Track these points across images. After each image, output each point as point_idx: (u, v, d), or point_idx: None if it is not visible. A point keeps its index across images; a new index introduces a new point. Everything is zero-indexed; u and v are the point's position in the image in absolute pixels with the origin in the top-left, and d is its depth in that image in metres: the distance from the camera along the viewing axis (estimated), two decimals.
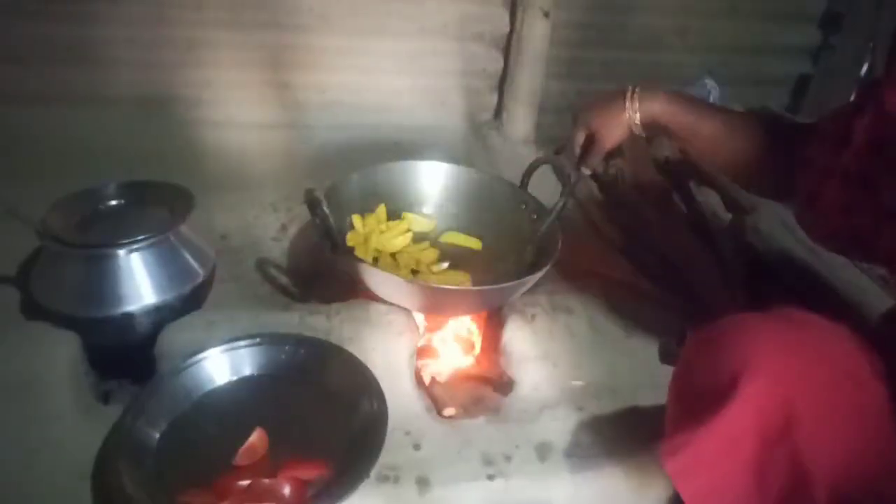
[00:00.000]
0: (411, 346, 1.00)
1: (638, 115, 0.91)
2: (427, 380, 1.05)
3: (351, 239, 1.13)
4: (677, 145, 0.92)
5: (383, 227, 1.19)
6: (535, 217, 1.15)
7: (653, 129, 0.93)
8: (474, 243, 1.23)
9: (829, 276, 1.14)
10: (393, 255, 1.16)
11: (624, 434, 0.93)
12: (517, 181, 1.21)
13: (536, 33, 1.62)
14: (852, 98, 1.63)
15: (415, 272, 1.14)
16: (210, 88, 1.57)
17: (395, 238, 1.18)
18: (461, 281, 1.13)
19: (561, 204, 1.10)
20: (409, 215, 1.24)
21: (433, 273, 1.15)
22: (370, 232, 1.16)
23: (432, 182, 1.27)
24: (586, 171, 1.02)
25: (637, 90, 0.92)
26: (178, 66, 1.53)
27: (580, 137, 1.00)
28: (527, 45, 1.64)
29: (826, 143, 0.75)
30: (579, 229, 1.41)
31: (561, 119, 1.82)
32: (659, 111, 0.90)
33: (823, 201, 0.74)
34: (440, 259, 1.18)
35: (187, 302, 1.02)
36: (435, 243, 1.22)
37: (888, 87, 0.67)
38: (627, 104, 0.91)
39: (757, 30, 1.85)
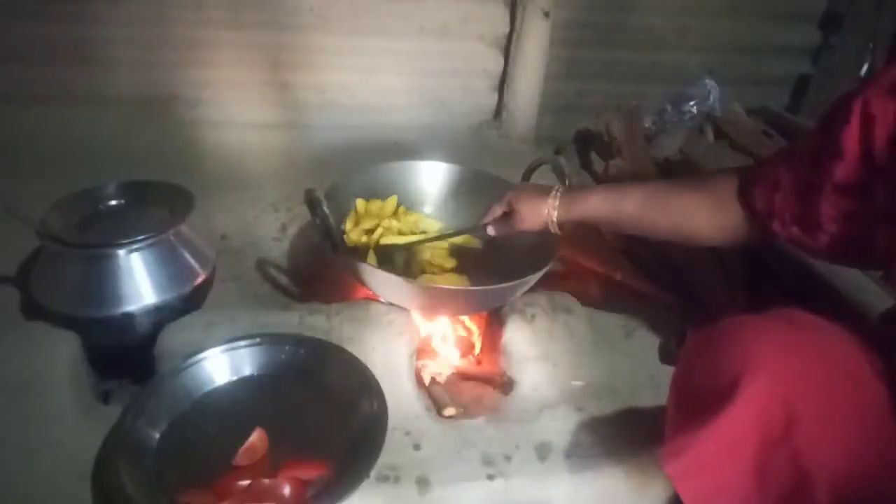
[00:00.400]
0: (411, 346, 1.00)
1: (556, 214, 0.96)
2: (427, 380, 1.05)
3: (349, 221, 1.14)
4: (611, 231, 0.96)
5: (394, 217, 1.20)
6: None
7: (571, 225, 0.99)
8: (474, 243, 1.23)
9: (829, 276, 1.14)
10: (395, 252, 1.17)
11: (624, 434, 0.93)
12: (517, 181, 1.21)
13: (536, 33, 1.62)
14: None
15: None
16: (210, 88, 1.57)
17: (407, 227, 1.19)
18: (459, 283, 1.13)
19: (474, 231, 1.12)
20: (418, 215, 1.24)
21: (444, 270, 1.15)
22: (381, 218, 1.17)
23: (432, 182, 1.27)
24: (490, 232, 1.07)
25: (560, 192, 0.97)
26: (178, 66, 1.54)
27: (499, 209, 1.05)
28: (527, 45, 1.64)
29: (801, 162, 0.75)
30: (579, 229, 1.40)
31: (561, 119, 1.82)
32: (576, 213, 0.95)
33: (814, 217, 0.73)
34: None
35: (187, 302, 1.02)
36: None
37: (871, 89, 0.67)
38: (549, 201, 0.97)
39: (757, 30, 1.85)
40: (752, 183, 0.80)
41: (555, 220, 0.97)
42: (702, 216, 0.85)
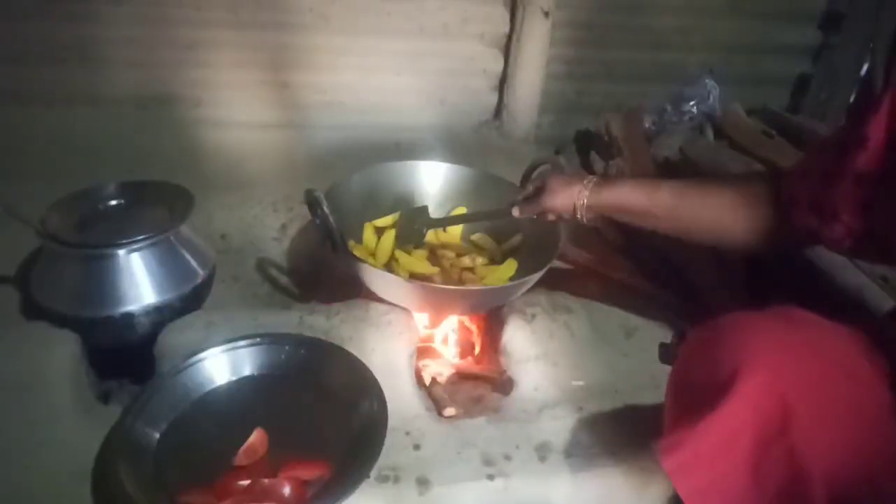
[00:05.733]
0: (411, 346, 1.00)
1: (584, 202, 0.94)
2: (427, 380, 1.05)
3: (358, 251, 1.13)
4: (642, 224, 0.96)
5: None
6: (536, 217, 1.15)
7: (599, 217, 0.97)
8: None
9: (829, 276, 1.14)
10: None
11: (624, 434, 0.93)
12: (517, 181, 1.21)
13: (536, 33, 1.62)
14: (852, 100, 1.62)
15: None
16: (210, 88, 1.57)
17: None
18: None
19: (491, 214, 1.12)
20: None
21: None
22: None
23: (432, 182, 1.27)
24: (515, 213, 1.04)
25: (594, 181, 0.95)
26: (178, 66, 1.53)
27: (532, 186, 1.04)
28: (527, 45, 1.64)
29: (827, 151, 0.76)
30: (579, 229, 1.40)
31: (561, 119, 1.82)
32: (607, 198, 0.93)
33: (831, 205, 0.73)
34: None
35: (187, 302, 1.02)
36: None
37: None
38: (580, 188, 0.95)
39: (757, 29, 1.85)
40: (785, 175, 0.81)
41: (584, 203, 0.94)
42: (736, 215, 0.84)
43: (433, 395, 1.01)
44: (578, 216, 0.96)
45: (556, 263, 1.05)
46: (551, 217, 1.01)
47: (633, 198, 0.91)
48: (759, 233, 0.84)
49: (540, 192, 1.01)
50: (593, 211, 0.95)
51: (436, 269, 1.15)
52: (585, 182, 0.95)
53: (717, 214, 0.86)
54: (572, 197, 0.96)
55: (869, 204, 0.71)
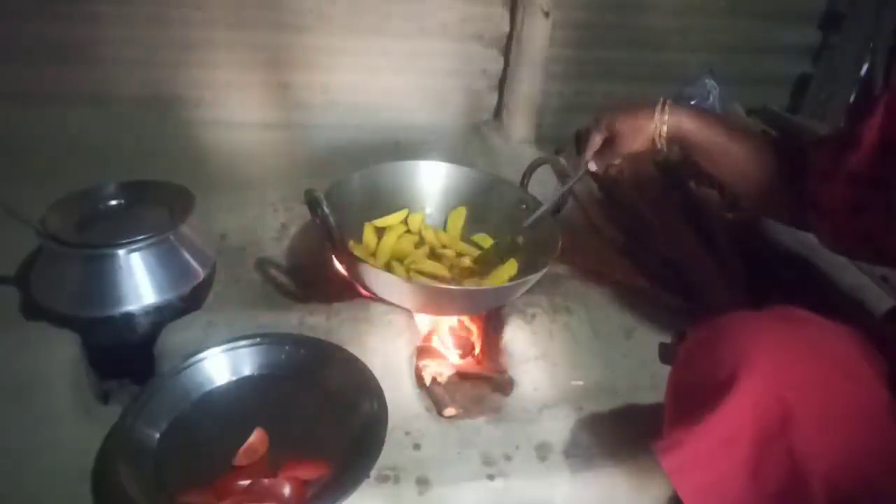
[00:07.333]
0: (411, 346, 1.00)
1: (665, 127, 0.91)
2: (427, 380, 1.05)
3: (358, 250, 1.13)
4: (701, 163, 0.94)
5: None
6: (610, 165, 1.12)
7: (676, 143, 0.93)
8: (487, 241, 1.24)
9: (830, 276, 1.14)
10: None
11: (624, 434, 0.93)
12: (517, 181, 1.21)
13: (536, 33, 1.62)
14: (852, 100, 1.63)
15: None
16: (210, 88, 1.57)
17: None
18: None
19: (560, 195, 1.09)
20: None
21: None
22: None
23: (432, 182, 1.27)
24: (592, 167, 1.00)
25: (667, 107, 0.91)
26: (178, 66, 1.54)
27: (599, 137, 0.99)
28: (527, 45, 1.63)
29: (825, 149, 0.76)
30: (579, 229, 1.41)
31: (561, 119, 1.82)
32: (688, 127, 0.90)
33: (824, 204, 0.74)
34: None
35: (187, 302, 1.02)
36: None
37: None
38: (657, 115, 0.91)
39: (757, 29, 1.85)
40: (802, 166, 0.81)
41: (664, 133, 0.91)
42: (776, 186, 0.85)
43: (433, 395, 1.01)
44: (658, 146, 0.93)
45: (557, 263, 1.04)
46: (622, 162, 0.98)
47: (706, 138, 0.89)
48: (783, 208, 0.86)
49: (610, 141, 0.97)
50: (671, 136, 0.91)
51: (446, 270, 1.14)
52: (659, 112, 0.91)
53: (762, 186, 0.86)
54: (649, 131, 0.92)
55: (861, 206, 0.71)
